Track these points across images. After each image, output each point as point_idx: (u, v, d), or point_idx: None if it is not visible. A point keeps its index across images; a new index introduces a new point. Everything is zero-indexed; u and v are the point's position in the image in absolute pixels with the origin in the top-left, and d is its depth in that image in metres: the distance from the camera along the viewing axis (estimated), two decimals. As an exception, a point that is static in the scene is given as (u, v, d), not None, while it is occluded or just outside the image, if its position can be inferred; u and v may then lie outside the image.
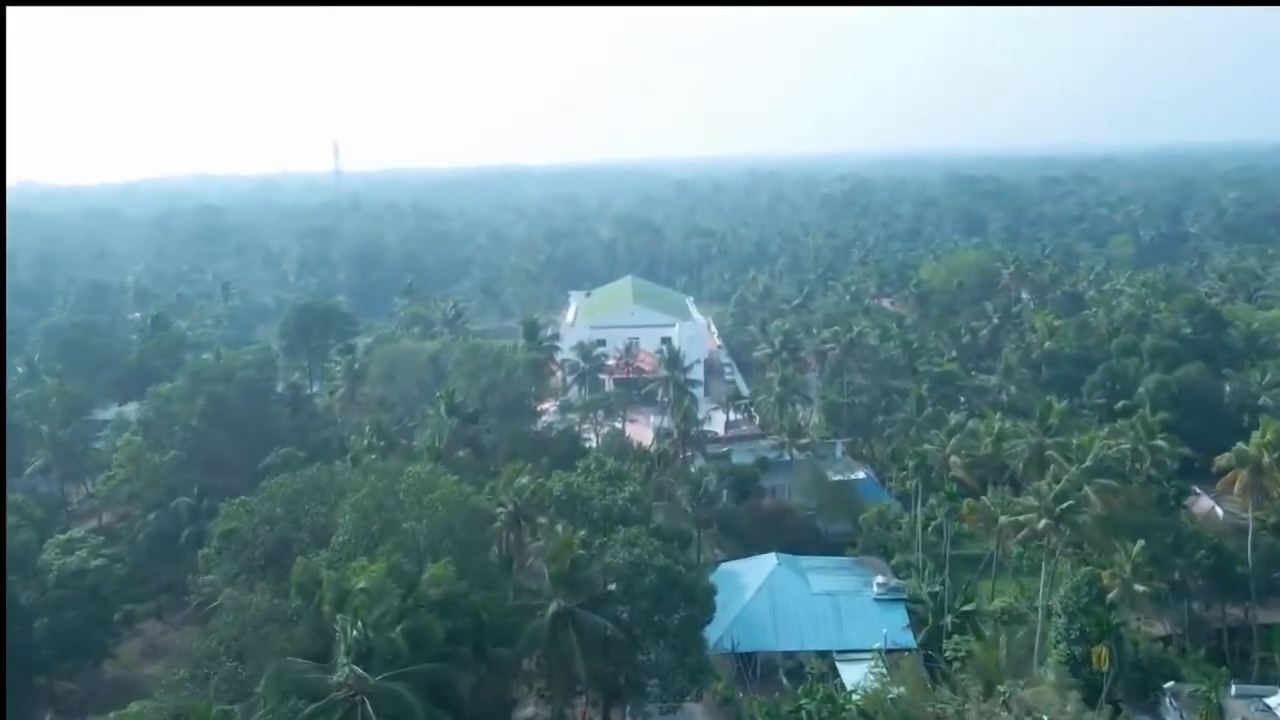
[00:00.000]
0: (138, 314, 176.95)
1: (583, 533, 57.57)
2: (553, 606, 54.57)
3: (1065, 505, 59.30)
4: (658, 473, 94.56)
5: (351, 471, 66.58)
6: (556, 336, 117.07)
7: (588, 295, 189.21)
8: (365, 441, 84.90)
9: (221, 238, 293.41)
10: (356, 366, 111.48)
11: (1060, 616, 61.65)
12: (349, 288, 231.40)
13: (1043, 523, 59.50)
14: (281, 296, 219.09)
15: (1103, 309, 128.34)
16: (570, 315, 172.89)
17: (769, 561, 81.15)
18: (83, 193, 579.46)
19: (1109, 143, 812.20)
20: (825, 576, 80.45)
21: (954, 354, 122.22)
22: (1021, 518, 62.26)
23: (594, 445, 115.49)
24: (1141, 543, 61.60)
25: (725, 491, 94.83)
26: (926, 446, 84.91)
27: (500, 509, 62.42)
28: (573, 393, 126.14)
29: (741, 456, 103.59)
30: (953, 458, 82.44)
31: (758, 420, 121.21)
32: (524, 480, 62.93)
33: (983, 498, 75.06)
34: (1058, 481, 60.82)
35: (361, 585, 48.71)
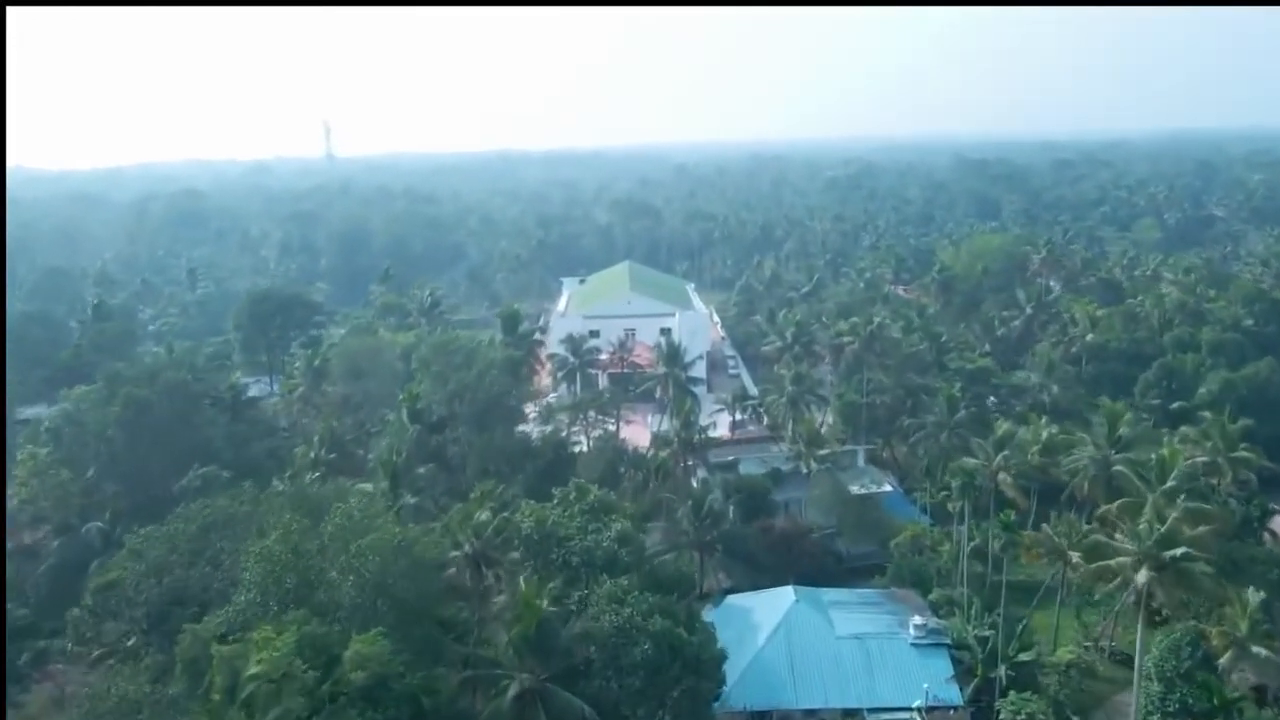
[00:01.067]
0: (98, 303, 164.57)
1: (554, 585, 45.18)
2: (515, 685, 42.34)
3: (1176, 553, 46.43)
4: (655, 485, 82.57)
5: (279, 497, 54.14)
6: (541, 329, 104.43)
7: (582, 282, 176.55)
8: (312, 454, 72.62)
9: (201, 222, 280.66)
10: (317, 363, 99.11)
11: (1154, 682, 49.48)
12: (331, 274, 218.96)
13: (1143, 574, 46.94)
14: (259, 283, 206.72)
15: (1149, 298, 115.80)
16: (562, 304, 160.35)
17: (785, 596, 68.87)
18: (70, 177, 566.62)
19: (1111, 128, 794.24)
20: (852, 615, 68.16)
21: (986, 348, 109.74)
22: (1113, 564, 49.71)
23: (585, 448, 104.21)
24: (1260, 594, 49.17)
25: (731, 507, 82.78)
26: (970, 460, 72.53)
27: (455, 552, 50.00)
28: (561, 390, 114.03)
29: (750, 466, 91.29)
30: (1002, 474, 70.03)
31: (765, 419, 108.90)
32: (484, 515, 50.43)
33: (1044, 526, 62.71)
34: (1161, 521, 48.06)
35: (254, 670, 36.52)
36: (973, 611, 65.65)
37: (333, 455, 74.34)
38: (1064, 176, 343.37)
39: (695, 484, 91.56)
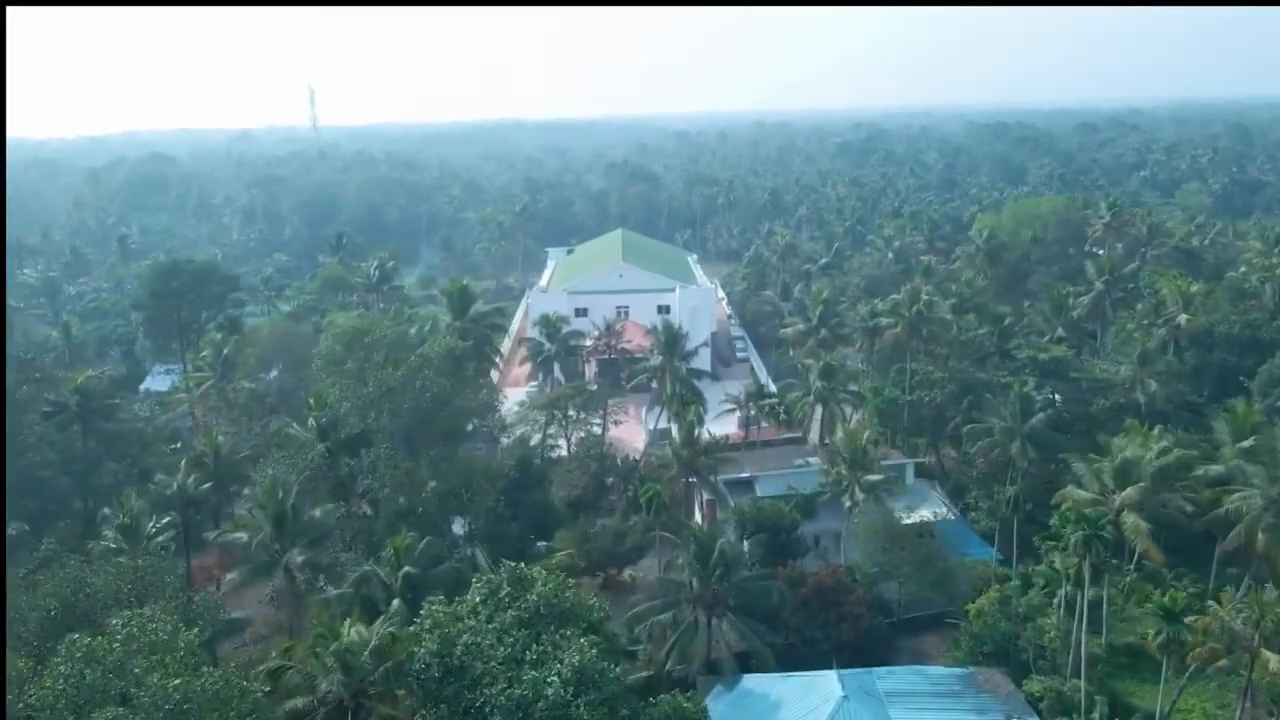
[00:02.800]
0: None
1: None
2: None
3: None
4: (648, 518, 62.92)
5: (48, 587, 34.17)
6: (499, 311, 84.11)
7: (569, 253, 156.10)
8: (175, 485, 52.81)
9: (163, 189, 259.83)
10: (227, 352, 79.40)
11: None
12: (294, 243, 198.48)
13: None
14: (213, 253, 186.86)
15: (1254, 270, 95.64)
16: (545, 278, 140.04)
17: (828, 688, 49.37)
18: (48, 146, 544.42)
19: (1113, 98, 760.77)
20: (922, 715, 48.79)
21: (1060, 333, 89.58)
22: None
23: (564, 453, 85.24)
24: None
25: (747, 544, 63.27)
26: (1079, 493, 52.64)
27: (304, 698, 30.21)
28: (538, 381, 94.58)
29: (769, 486, 71.57)
30: (1129, 515, 50.16)
31: (784, 417, 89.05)
32: (355, 633, 30.64)
33: (1214, 606, 42.90)
34: None
35: None
36: (1096, 717, 46.22)
37: (206, 485, 54.49)
38: (1090, 140, 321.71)
39: (699, 509, 72.03)
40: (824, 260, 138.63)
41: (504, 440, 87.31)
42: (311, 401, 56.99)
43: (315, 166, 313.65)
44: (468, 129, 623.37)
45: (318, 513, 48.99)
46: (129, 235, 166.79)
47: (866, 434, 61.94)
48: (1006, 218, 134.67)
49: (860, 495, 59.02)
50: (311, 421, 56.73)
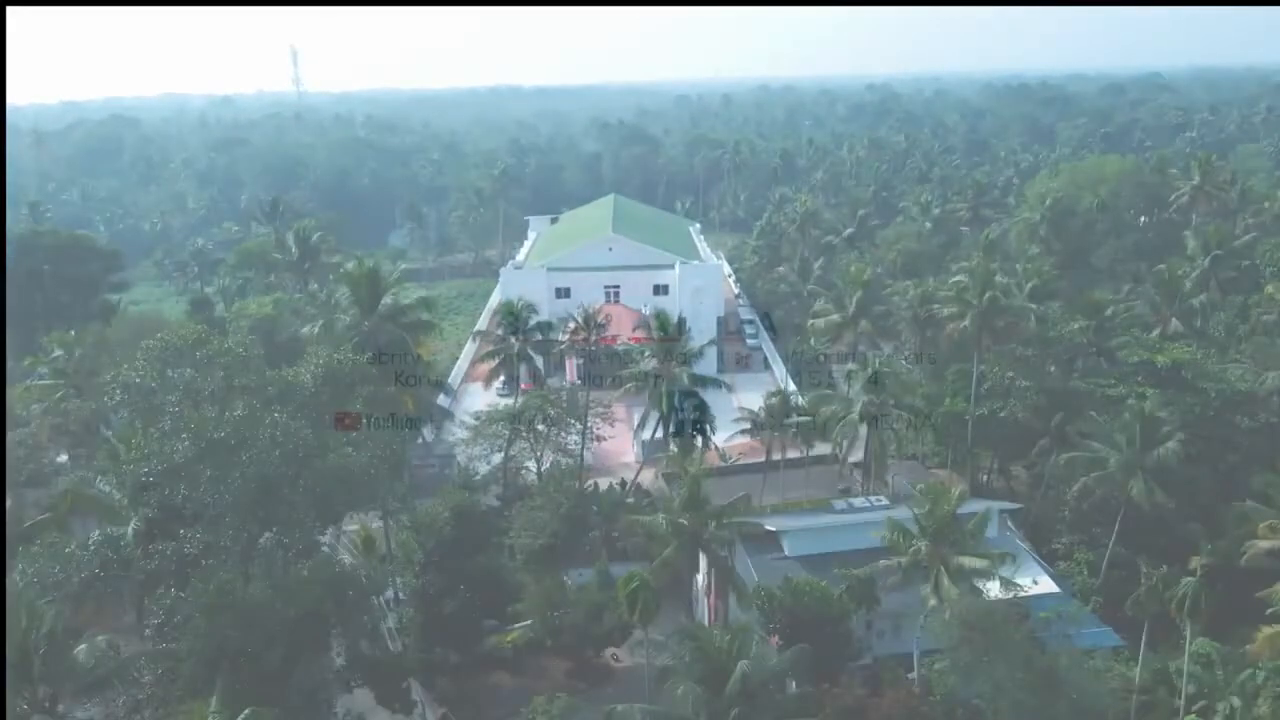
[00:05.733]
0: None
1: None
2: None
3: None
4: (628, 621, 43.60)
5: None
6: (426, 304, 63.65)
7: (553, 222, 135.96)
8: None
9: (119, 153, 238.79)
10: (79, 354, 59.99)
11: None
12: (252, 211, 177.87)
13: None
14: (155, 224, 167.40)
15: None
16: (522, 253, 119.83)
17: None
18: (22, 112, 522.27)
19: (1123, 64, 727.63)
20: None
21: (1174, 325, 69.70)
22: None
23: (535, 476, 67.39)
24: None
25: (777, 642, 43.96)
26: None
27: None
28: (494, 389, 75.18)
29: (800, 543, 52.09)
30: None
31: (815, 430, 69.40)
32: None
33: None
34: None
35: None
36: None
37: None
38: (1120, 101, 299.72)
39: (702, 585, 52.42)
40: (848, 231, 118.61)
41: (457, 460, 68.99)
42: (125, 455, 37.41)
43: (289, 129, 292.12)
44: (460, 95, 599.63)
45: (81, 651, 29.54)
46: (41, 203, 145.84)
47: (958, 490, 42.05)
48: (1064, 181, 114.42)
49: (950, 586, 39.39)
50: (129, 481, 37.11)
